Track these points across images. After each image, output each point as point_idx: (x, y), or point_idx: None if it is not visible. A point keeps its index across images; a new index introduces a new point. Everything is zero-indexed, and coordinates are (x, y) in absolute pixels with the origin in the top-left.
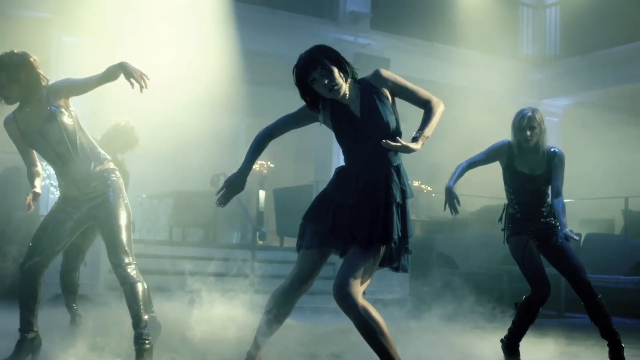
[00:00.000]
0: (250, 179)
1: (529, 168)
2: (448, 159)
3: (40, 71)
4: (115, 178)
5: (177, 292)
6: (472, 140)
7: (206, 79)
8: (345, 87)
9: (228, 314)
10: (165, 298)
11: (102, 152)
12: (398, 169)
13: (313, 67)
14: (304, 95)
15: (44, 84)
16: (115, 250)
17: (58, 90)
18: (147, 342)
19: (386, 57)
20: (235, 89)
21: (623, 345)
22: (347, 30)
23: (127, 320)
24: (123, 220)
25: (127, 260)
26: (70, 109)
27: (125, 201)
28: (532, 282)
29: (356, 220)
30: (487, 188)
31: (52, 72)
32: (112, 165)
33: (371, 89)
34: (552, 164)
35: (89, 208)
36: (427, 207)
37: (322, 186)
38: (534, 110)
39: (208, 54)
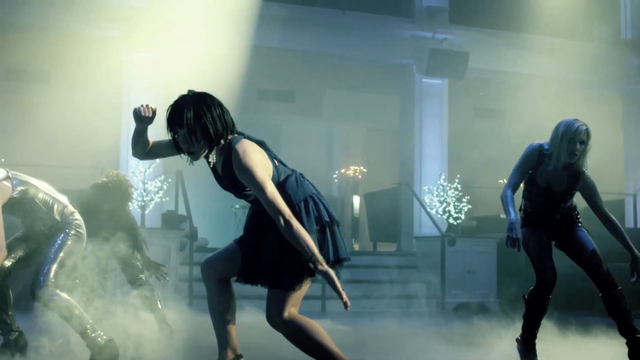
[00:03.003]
0: (344, 185)
1: (551, 182)
2: None
3: None
4: (75, 218)
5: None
6: None
7: (283, 86)
8: (203, 154)
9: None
10: (256, 305)
11: (61, 201)
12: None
13: (176, 125)
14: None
15: None
16: (36, 272)
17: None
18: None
19: (465, 51)
20: (318, 93)
21: None
22: (424, 26)
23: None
24: (57, 248)
25: (42, 284)
26: (26, 185)
27: (75, 236)
28: (536, 270)
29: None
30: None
31: (125, 88)
32: (71, 208)
33: (230, 160)
34: (578, 182)
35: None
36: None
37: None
38: (586, 125)
39: (280, 60)
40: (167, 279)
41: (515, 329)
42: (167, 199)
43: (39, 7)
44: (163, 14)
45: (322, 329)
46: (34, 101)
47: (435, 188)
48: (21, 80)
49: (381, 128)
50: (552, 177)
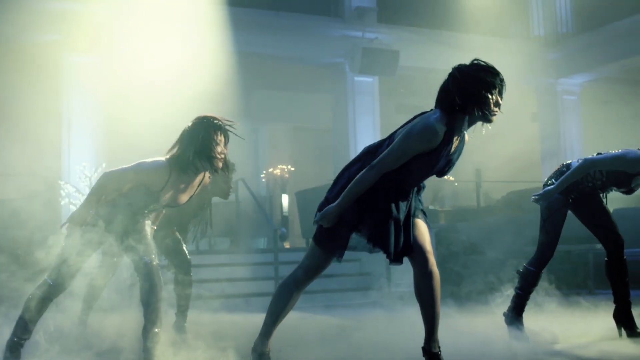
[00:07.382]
0: (272, 184)
1: None
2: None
3: None
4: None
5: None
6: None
7: (214, 87)
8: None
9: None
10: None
11: None
12: None
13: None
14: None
15: None
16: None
17: None
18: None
19: (395, 49)
20: (246, 94)
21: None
22: (354, 26)
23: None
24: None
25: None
26: None
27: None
28: (544, 245)
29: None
30: (512, 174)
31: (64, 93)
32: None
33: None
34: None
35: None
36: (452, 196)
37: None
38: None
39: (215, 62)
40: None
41: (448, 313)
42: None
43: None
44: (102, 17)
45: None
46: None
47: None
48: None
49: (308, 127)
50: None
